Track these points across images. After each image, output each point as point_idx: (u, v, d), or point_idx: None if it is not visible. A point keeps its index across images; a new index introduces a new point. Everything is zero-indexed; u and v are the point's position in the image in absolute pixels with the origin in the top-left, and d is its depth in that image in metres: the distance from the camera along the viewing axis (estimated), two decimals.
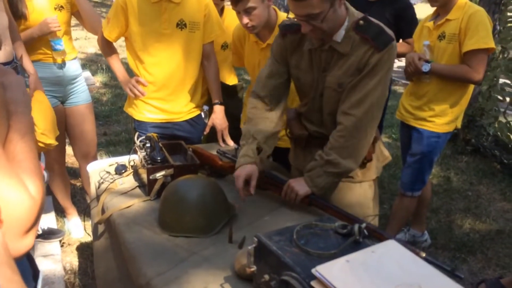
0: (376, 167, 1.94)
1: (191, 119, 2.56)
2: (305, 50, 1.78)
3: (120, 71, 2.53)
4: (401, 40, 3.00)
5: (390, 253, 1.07)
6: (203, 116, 2.61)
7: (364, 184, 1.92)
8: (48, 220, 3.01)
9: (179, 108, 2.50)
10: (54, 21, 2.60)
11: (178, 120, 2.52)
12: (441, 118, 2.59)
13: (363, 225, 1.23)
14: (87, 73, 6.97)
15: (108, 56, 2.55)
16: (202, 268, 1.46)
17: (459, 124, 2.70)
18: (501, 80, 4.37)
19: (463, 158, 4.41)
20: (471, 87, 2.62)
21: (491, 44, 2.41)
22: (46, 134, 2.57)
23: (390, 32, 1.67)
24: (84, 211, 3.07)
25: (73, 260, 2.73)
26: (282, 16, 2.28)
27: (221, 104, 2.54)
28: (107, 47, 2.52)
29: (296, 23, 1.75)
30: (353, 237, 1.20)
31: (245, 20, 2.12)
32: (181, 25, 2.36)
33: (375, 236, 1.57)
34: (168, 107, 2.48)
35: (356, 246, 1.19)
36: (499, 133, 4.28)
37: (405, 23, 2.94)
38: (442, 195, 3.71)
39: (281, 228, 1.28)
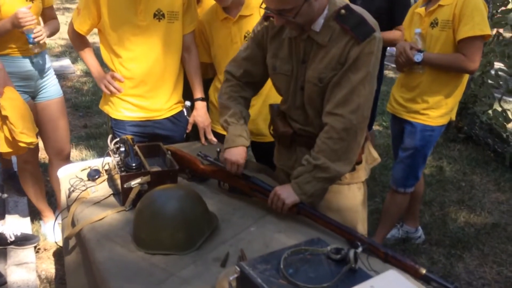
0: (365, 169, 1.81)
1: (172, 116, 2.38)
2: (285, 38, 1.65)
3: (94, 66, 2.34)
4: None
5: None
6: (185, 112, 2.44)
7: (353, 187, 1.79)
8: (22, 225, 2.84)
9: (159, 105, 2.32)
10: (26, 15, 2.40)
11: (158, 118, 2.34)
12: (435, 111, 2.45)
13: (359, 249, 1.08)
14: (67, 61, 6.70)
15: (80, 50, 2.35)
16: None
17: (453, 116, 2.56)
18: (496, 65, 4.24)
19: (455, 146, 4.30)
20: (466, 76, 2.48)
21: (487, 30, 2.26)
22: (26, 133, 2.40)
23: (372, 23, 1.53)
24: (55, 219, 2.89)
25: (49, 267, 2.58)
26: None
27: (203, 99, 2.37)
28: (78, 40, 2.32)
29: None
30: (348, 265, 1.06)
31: None
32: (158, 15, 2.17)
33: (370, 249, 1.45)
34: (148, 104, 2.30)
35: (352, 275, 1.05)
36: (493, 121, 4.16)
37: (398, 7, 2.77)
38: (435, 187, 3.60)
39: (267, 254, 1.14)
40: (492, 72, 4.17)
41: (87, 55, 2.35)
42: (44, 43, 2.62)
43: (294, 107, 1.72)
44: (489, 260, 2.73)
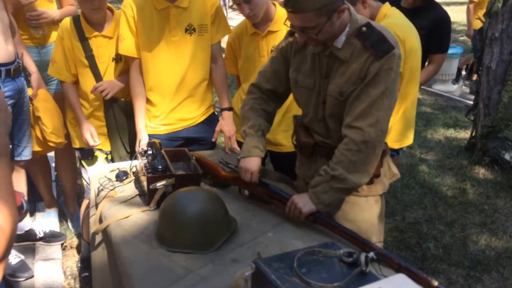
0: (383, 183, 1.85)
1: (206, 119, 2.48)
2: (308, 54, 1.72)
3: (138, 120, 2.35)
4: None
5: None
6: (216, 113, 2.54)
7: (370, 199, 1.83)
8: (50, 223, 2.95)
9: (194, 113, 2.42)
10: None
11: (192, 125, 2.44)
12: None
13: (370, 254, 1.13)
14: None
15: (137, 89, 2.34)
16: None
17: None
18: None
19: (480, 169, 4.25)
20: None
21: None
22: (55, 133, 2.53)
23: (392, 40, 1.59)
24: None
25: (74, 265, 2.68)
26: (282, 10, 2.30)
27: (230, 109, 2.45)
28: (137, 81, 2.32)
29: None
30: (359, 267, 1.10)
31: (247, 10, 2.18)
32: (189, 30, 2.27)
33: (383, 260, 1.48)
34: (182, 114, 2.40)
35: (362, 278, 1.09)
36: None
37: (438, 36, 2.74)
38: (457, 208, 3.57)
39: (282, 253, 1.20)
40: None
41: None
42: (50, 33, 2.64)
43: (316, 120, 1.78)
44: (509, 284, 2.69)
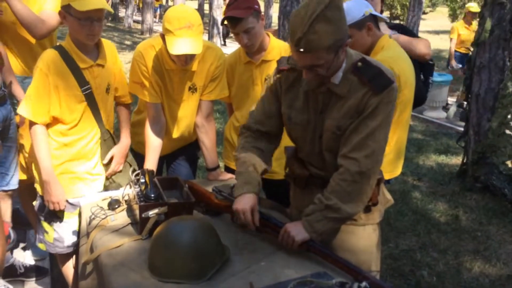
0: (380, 211, 1.85)
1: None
2: (300, 90, 1.71)
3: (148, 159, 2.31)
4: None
5: None
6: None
7: (368, 228, 1.82)
8: (39, 255, 2.87)
9: (189, 140, 2.53)
10: None
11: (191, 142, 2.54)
12: None
13: (363, 284, 1.12)
14: None
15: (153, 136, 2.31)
16: None
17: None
18: None
19: (472, 196, 4.28)
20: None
21: None
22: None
23: (390, 74, 1.61)
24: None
25: None
26: (276, 40, 2.37)
27: (218, 166, 2.44)
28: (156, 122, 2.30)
29: (292, 63, 1.69)
30: None
31: (245, 40, 2.21)
32: (192, 89, 2.30)
33: None
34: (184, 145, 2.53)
35: None
36: None
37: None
38: (450, 235, 3.57)
39: (274, 284, 1.19)
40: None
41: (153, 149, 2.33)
42: None
43: (313, 154, 1.77)
44: None
